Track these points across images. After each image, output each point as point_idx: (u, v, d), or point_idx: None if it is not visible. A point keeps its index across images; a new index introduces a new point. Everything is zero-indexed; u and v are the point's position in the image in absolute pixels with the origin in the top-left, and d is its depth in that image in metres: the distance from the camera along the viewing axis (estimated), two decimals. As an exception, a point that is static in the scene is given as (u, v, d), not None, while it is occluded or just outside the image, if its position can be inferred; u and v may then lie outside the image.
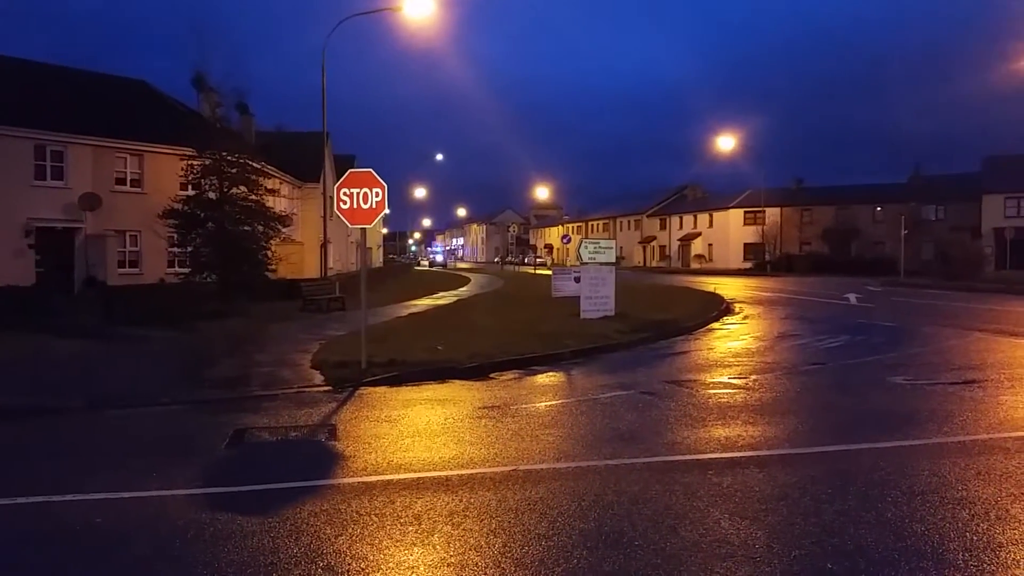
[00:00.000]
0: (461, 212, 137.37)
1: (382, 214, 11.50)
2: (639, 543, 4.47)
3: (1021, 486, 5.56)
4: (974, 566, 4.12)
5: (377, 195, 10.98)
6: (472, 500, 5.33)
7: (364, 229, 11.69)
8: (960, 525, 4.74)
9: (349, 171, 11.43)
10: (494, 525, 4.82)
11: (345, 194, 11.00)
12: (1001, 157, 59.76)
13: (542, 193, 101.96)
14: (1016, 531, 4.65)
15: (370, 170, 11.21)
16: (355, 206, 10.99)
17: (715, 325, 18.85)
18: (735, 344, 15.14)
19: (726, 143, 60.23)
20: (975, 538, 4.52)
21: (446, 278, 49.94)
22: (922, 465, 6.17)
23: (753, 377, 10.80)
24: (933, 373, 10.87)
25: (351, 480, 5.95)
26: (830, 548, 4.39)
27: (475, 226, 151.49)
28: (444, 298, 29.01)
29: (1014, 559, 4.23)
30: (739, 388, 9.96)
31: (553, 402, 9.26)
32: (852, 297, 28.84)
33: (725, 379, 10.71)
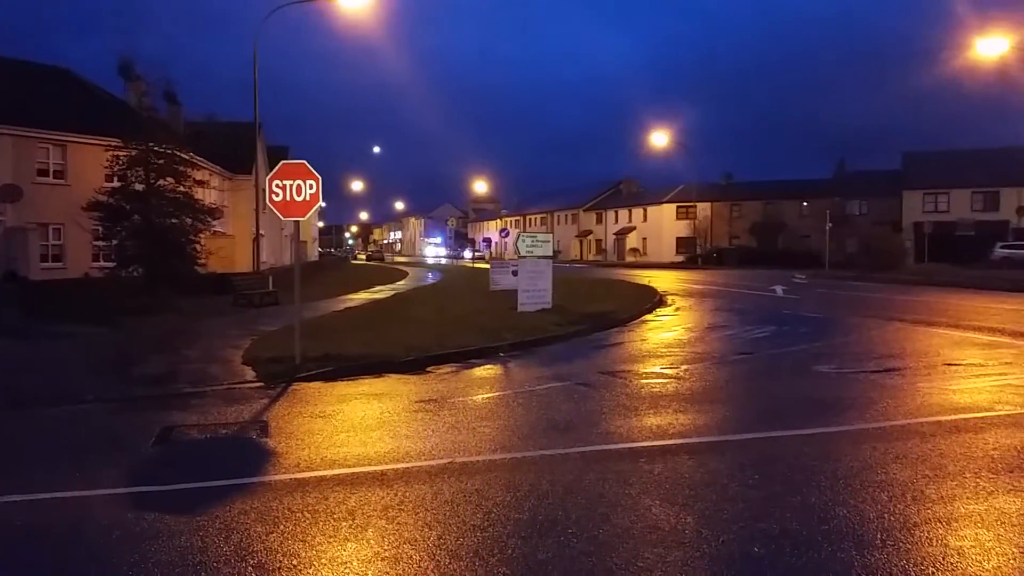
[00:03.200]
0: (399, 206, 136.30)
1: (316, 207, 11.31)
2: (572, 531, 4.53)
3: (936, 468, 5.82)
4: (891, 545, 4.30)
5: (311, 187, 10.79)
6: (407, 494, 5.31)
7: (298, 222, 11.48)
8: (879, 507, 4.94)
9: (282, 162, 11.19)
10: (429, 518, 4.81)
11: (278, 186, 10.77)
12: (920, 154, 62.42)
13: (481, 187, 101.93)
14: (930, 511, 4.88)
15: (304, 162, 11.01)
16: (288, 198, 10.78)
17: (649, 317, 19.18)
18: (668, 335, 15.43)
19: (660, 139, 61.27)
20: (893, 519, 4.72)
21: (383, 272, 49.46)
22: (845, 450, 6.41)
23: (684, 367, 11.04)
24: (856, 362, 11.30)
25: (283, 477, 5.85)
26: (757, 532, 4.53)
27: (413, 220, 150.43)
28: (381, 292, 28.74)
29: (927, 537, 4.43)
30: (671, 378, 10.16)
31: (490, 394, 9.28)
32: (779, 289, 29.73)
33: (658, 369, 10.91)
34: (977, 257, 47.94)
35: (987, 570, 3.98)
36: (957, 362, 11.13)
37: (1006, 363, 11.04)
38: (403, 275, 44.46)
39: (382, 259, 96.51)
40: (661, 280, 36.06)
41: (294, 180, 10.77)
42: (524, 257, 19.46)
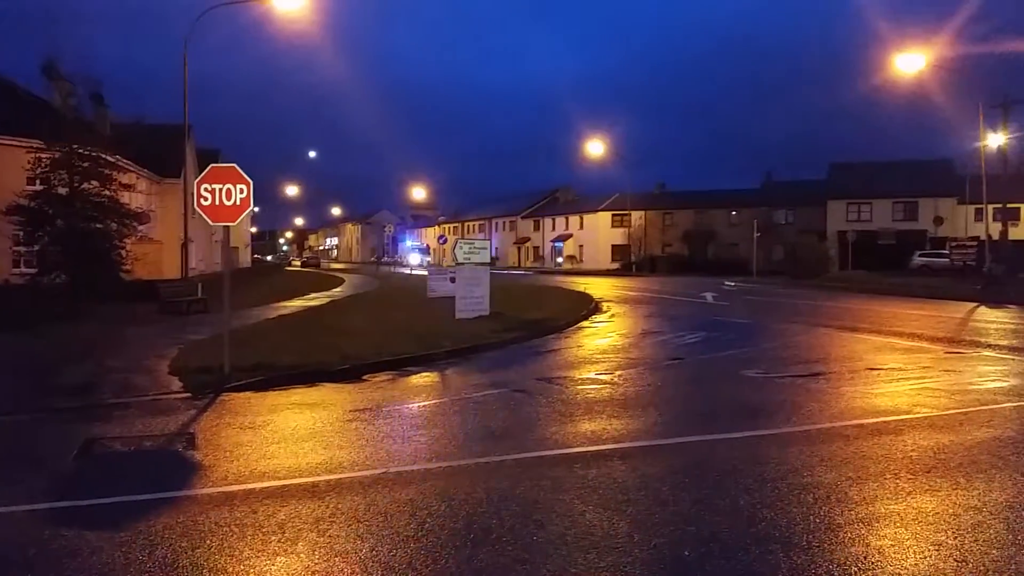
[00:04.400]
0: (336, 211, 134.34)
1: (247, 212, 11.06)
2: (507, 539, 4.54)
3: (858, 470, 6.03)
4: (816, 547, 4.43)
5: (241, 192, 10.56)
6: (340, 505, 5.22)
7: (228, 227, 11.21)
8: (805, 509, 5.09)
9: (211, 166, 10.92)
10: (362, 529, 4.74)
11: (206, 190, 10.51)
12: (845, 165, 64.90)
13: (419, 193, 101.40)
14: (853, 512, 5.04)
15: (234, 165, 10.77)
16: (218, 203, 10.52)
17: (585, 323, 19.37)
18: (603, 341, 15.62)
19: (596, 148, 62.11)
20: (818, 520, 4.87)
21: (319, 279, 48.68)
22: (772, 453, 6.59)
23: (619, 373, 11.19)
24: (783, 367, 11.64)
25: (210, 490, 5.69)
26: (687, 536, 4.61)
27: (350, 225, 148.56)
28: (316, 299, 28.27)
29: (850, 538, 4.58)
30: (606, 383, 10.29)
31: (426, 402, 9.23)
32: (709, 296, 30.43)
33: (593, 375, 11.03)
34: (897, 265, 50.12)
35: (905, 568, 4.14)
36: (879, 367, 11.57)
37: (924, 367, 11.54)
38: (339, 282, 43.85)
39: (318, 265, 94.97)
40: (597, 287, 36.48)
41: (224, 184, 10.52)
42: (462, 264, 19.44)
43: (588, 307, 22.90)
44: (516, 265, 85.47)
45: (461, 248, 20.00)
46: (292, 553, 4.40)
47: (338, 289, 36.21)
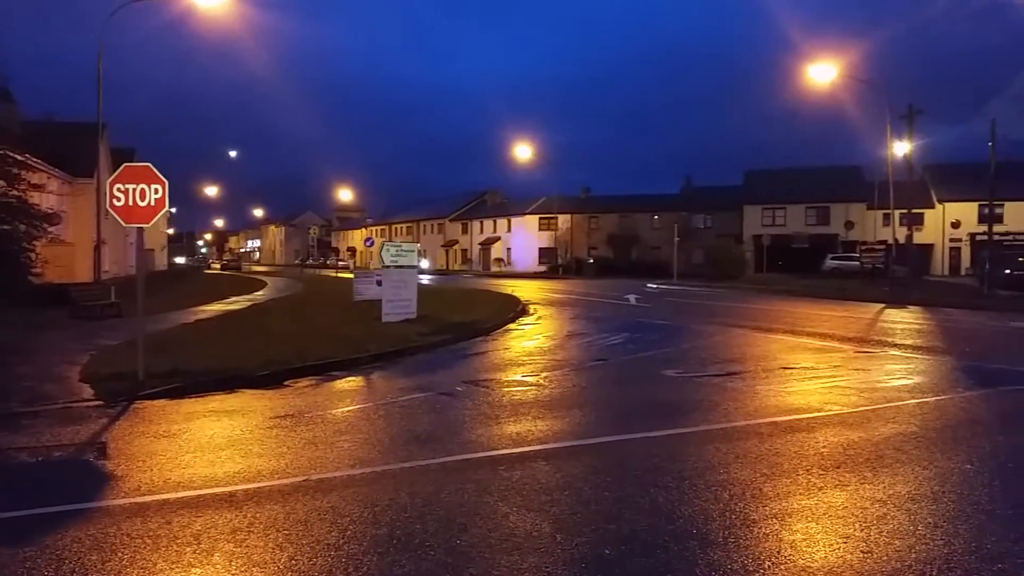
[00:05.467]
0: (258, 213, 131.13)
1: (163, 212, 10.70)
2: (430, 544, 4.52)
3: (772, 467, 6.25)
4: (732, 542, 4.57)
5: (156, 192, 10.22)
6: (258, 514, 5.10)
7: (141, 229, 10.82)
8: (721, 506, 5.24)
9: (124, 165, 10.52)
10: (281, 539, 4.65)
11: (119, 190, 10.13)
12: (760, 171, 67.19)
13: (346, 195, 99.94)
14: (767, 508, 5.22)
15: (148, 164, 10.41)
16: (131, 203, 10.15)
17: (512, 326, 19.47)
18: (529, 343, 15.73)
19: (524, 151, 62.61)
20: (734, 517, 5.02)
21: (239, 282, 47.38)
22: (690, 451, 6.77)
23: (544, 374, 11.29)
24: (701, 366, 11.96)
25: (122, 501, 5.47)
26: (609, 534, 4.69)
27: (273, 228, 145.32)
28: (237, 303, 27.52)
29: (765, 533, 4.74)
30: (531, 385, 10.37)
31: (350, 408, 9.10)
32: (632, 298, 31.04)
33: (519, 377, 11.10)
34: (810, 267, 52.21)
35: (816, 561, 4.31)
36: (792, 366, 12.02)
37: (835, 366, 12.04)
38: (261, 285, 42.80)
39: (238, 268, 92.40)
40: (524, 290, 36.71)
41: (138, 184, 10.17)
42: (389, 267, 19.26)
43: (515, 309, 23.03)
44: (444, 268, 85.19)
45: (388, 251, 19.81)
46: (207, 564, 4.28)
47: (260, 292, 35.35)
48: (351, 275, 33.04)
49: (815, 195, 62.17)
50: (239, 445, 7.16)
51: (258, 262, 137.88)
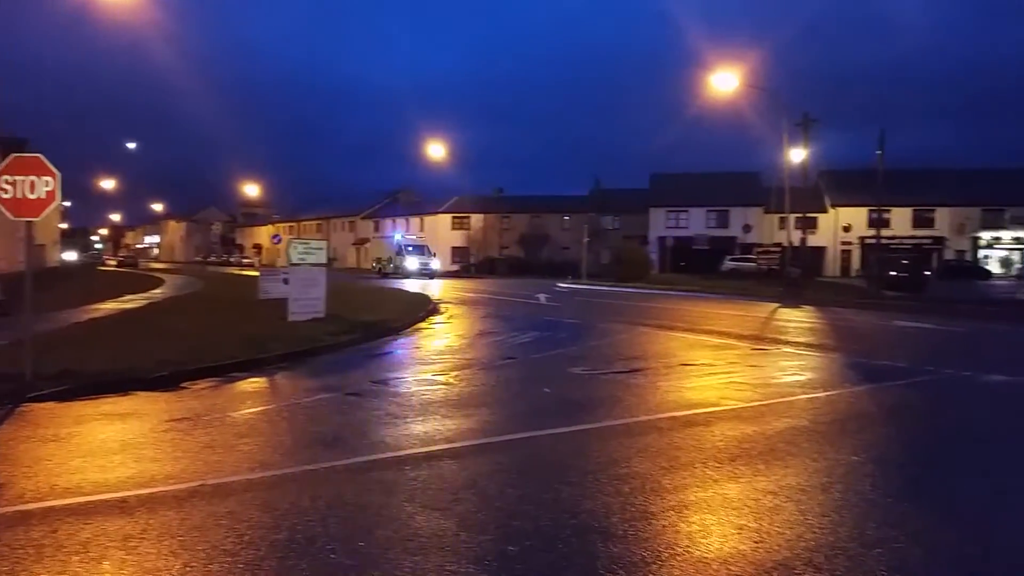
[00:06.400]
0: (157, 207, 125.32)
1: (54, 206, 10.14)
2: (332, 547, 4.45)
3: (671, 460, 6.45)
4: (632, 535, 4.69)
5: (47, 184, 9.67)
6: (151, 521, 4.90)
7: (31, 223, 10.21)
8: (622, 499, 5.37)
9: (12, 156, 9.92)
10: (175, 545, 4.48)
11: (7, 182, 9.56)
12: (665, 175, 69.28)
13: (252, 190, 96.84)
14: (666, 501, 5.38)
15: (39, 156, 9.85)
16: (20, 196, 9.60)
17: (423, 325, 19.37)
18: (439, 342, 15.70)
19: (438, 150, 62.30)
20: (634, 510, 5.15)
21: (136, 279, 45.25)
22: (594, 446, 6.91)
23: (453, 373, 11.29)
24: (606, 364, 12.23)
25: (4, 510, 5.14)
26: (513, 531, 4.73)
27: (174, 223, 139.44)
28: (133, 301, 26.26)
29: (663, 525, 4.89)
30: (440, 384, 10.34)
31: (252, 410, 8.84)
32: (542, 297, 31.41)
33: (428, 376, 11.05)
34: (711, 268, 54.23)
35: (711, 551, 4.47)
36: (692, 362, 12.44)
37: (731, 363, 12.53)
38: (159, 283, 41.02)
39: (135, 265, 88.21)
40: (436, 288, 36.56)
41: (27, 176, 9.62)
42: (296, 264, 18.81)
43: (426, 308, 22.91)
44: (356, 266, 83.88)
45: (295, 248, 19.34)
46: (96, 573, 4.08)
47: (158, 290, 33.84)
48: (256, 273, 32.08)
49: (716, 199, 64.62)
50: (132, 449, 6.85)
51: (157, 259, 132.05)
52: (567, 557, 4.35)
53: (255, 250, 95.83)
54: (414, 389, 10.02)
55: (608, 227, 68.25)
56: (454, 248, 75.58)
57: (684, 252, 62.59)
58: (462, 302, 28.28)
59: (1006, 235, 61.12)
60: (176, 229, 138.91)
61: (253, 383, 10.68)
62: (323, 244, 20.87)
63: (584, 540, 4.60)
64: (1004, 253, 61.37)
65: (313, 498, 5.36)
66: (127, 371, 10.43)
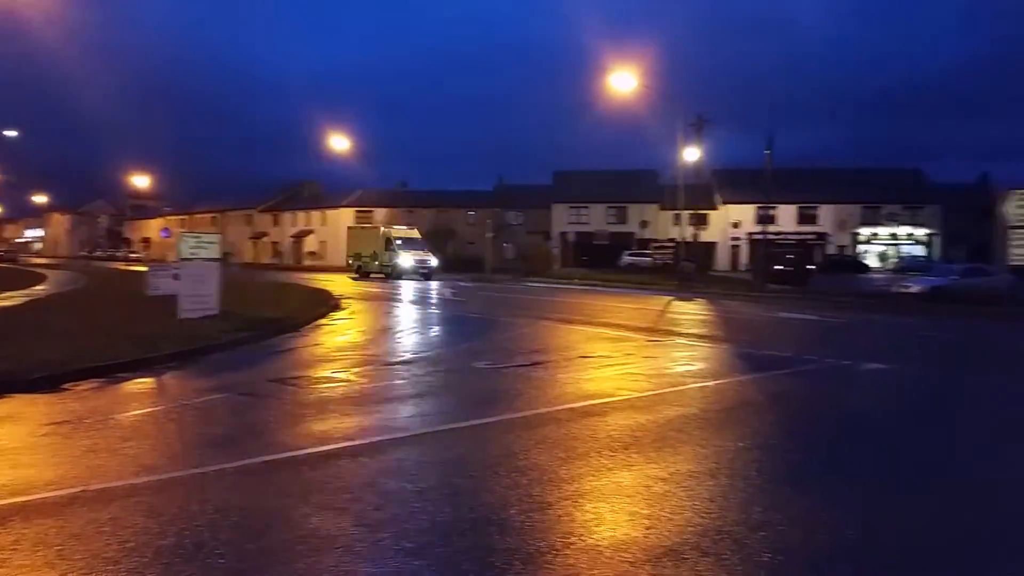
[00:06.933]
0: (40, 199, 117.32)
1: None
2: (222, 551, 4.32)
3: (568, 451, 6.59)
4: (529, 526, 4.77)
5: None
6: (26, 530, 4.63)
7: None
8: (520, 491, 5.45)
9: None
10: (52, 555, 4.25)
11: None
12: (567, 172, 70.56)
13: (142, 182, 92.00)
14: (562, 491, 5.49)
15: None
16: None
17: (324, 321, 18.99)
18: (341, 339, 15.44)
19: (341, 142, 61.07)
20: (531, 501, 5.24)
21: (15, 275, 42.35)
22: (494, 439, 6.98)
23: (355, 370, 11.14)
24: (508, 357, 12.35)
25: None
26: (411, 528, 4.73)
27: (58, 216, 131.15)
28: (11, 298, 24.58)
29: (559, 515, 4.98)
30: (341, 382, 10.19)
31: (139, 412, 8.45)
32: (448, 292, 31.38)
33: (328, 374, 10.86)
34: (611, 263, 55.64)
35: (604, 538, 4.59)
36: (590, 355, 12.73)
37: (628, 354, 12.88)
38: (41, 278, 38.57)
39: (15, 260, 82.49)
40: (339, 284, 35.87)
41: None
42: (187, 259, 18.07)
43: (328, 304, 22.45)
44: (253, 261, 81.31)
45: (186, 241, 18.58)
46: (-41, 592, 3.84)
47: (40, 287, 31.82)
48: (145, 268, 30.61)
49: (615, 196, 66.33)
50: (7, 455, 6.44)
51: (39, 254, 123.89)
52: (464, 551, 4.39)
53: (144, 244, 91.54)
54: (313, 387, 9.82)
55: (513, 223, 68.86)
56: (357, 243, 74.36)
57: (586, 247, 63.89)
58: (365, 298, 27.89)
59: (883, 231, 65.36)
60: (61, 222, 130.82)
61: (140, 384, 10.22)
62: (216, 237, 20.09)
63: (482, 533, 4.65)
64: (881, 248, 65.62)
65: (202, 502, 5.19)
66: (3, 372, 9.77)
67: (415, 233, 48.50)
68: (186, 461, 6.30)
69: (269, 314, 18.19)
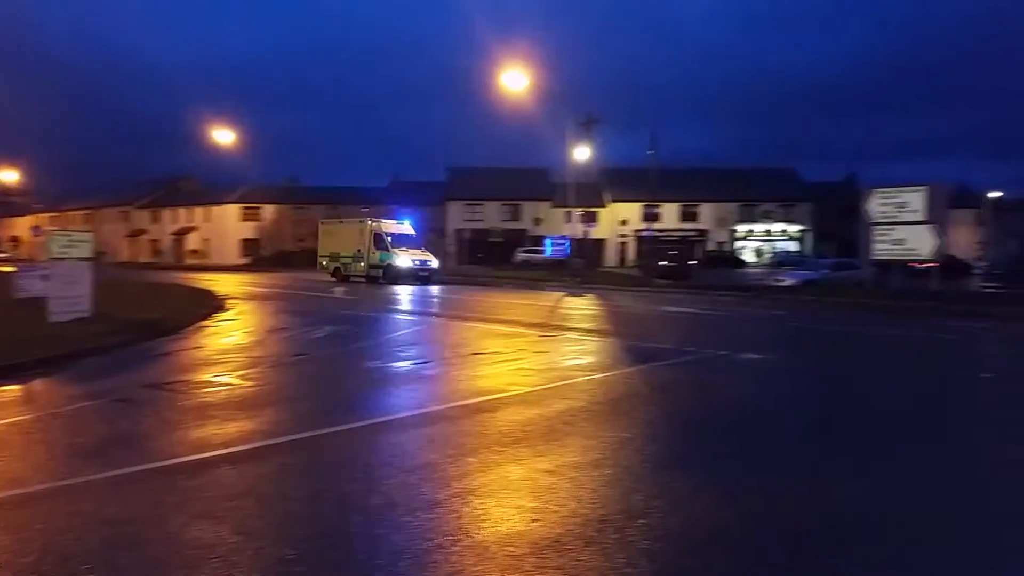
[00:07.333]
0: None
1: None
2: (89, 566, 4.11)
3: (458, 448, 6.62)
4: (416, 526, 4.75)
5: None
6: None
7: None
8: (409, 490, 5.42)
9: None
10: None
11: None
12: (461, 169, 70.62)
13: (9, 176, 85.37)
14: (450, 488, 5.51)
15: None
16: None
17: (207, 323, 18.25)
18: (226, 341, 14.89)
19: (225, 136, 58.77)
20: (421, 500, 5.23)
21: None
22: (383, 439, 6.94)
23: (239, 373, 10.77)
24: (400, 356, 12.28)
25: None
26: (294, 535, 4.62)
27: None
28: None
29: (447, 513, 5.00)
30: (223, 386, 9.83)
31: (4, 421, 7.84)
32: (338, 290, 30.83)
33: (210, 378, 10.45)
34: (506, 259, 56.20)
35: (492, 532, 4.65)
36: (483, 351, 12.81)
37: (520, 350, 13.05)
38: None
39: None
40: (224, 283, 34.58)
41: None
42: (58, 258, 16.99)
43: (211, 305, 21.61)
44: (130, 260, 77.17)
45: (57, 241, 17.47)
46: None
47: None
48: (12, 268, 28.54)
49: (509, 193, 66.98)
50: None
51: None
52: (349, 554, 4.34)
53: (12, 243, 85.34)
54: (193, 392, 9.43)
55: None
56: (244, 240, 71.85)
57: (480, 244, 64.18)
58: (252, 297, 26.99)
59: (759, 228, 68.91)
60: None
61: (6, 392, 9.55)
62: (88, 236, 18.98)
63: (369, 536, 4.61)
64: (757, 244, 69.16)
65: (70, 515, 4.91)
66: None
67: (408, 228, 40.06)
68: (53, 473, 5.94)
69: (148, 316, 17.36)
